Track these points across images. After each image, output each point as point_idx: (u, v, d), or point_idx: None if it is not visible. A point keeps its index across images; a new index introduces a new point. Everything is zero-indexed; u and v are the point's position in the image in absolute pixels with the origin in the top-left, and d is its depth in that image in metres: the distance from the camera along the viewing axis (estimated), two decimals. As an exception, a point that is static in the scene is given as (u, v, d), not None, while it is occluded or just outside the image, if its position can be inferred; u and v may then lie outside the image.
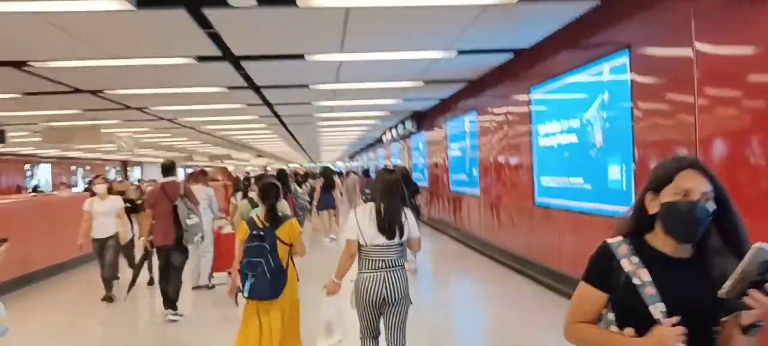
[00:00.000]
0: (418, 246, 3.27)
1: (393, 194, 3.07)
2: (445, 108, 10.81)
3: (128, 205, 7.13)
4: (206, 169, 13.93)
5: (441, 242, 10.70)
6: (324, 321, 3.30)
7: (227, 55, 6.12)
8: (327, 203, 10.80)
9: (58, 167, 26.64)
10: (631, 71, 4.46)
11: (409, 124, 13.75)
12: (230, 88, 8.35)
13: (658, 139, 4.17)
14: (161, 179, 5.84)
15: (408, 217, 3.11)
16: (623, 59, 4.57)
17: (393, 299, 3.02)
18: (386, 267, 3.03)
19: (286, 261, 3.44)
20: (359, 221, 3.06)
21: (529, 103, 6.73)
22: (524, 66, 6.69)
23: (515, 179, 7.39)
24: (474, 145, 9.10)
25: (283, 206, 4.20)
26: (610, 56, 4.77)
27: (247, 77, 7.57)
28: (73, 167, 28.64)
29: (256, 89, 8.69)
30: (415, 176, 13.05)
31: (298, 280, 3.72)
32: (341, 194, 12.20)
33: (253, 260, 3.30)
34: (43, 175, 25.93)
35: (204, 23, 4.86)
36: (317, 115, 13.13)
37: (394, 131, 16.07)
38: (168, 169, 5.93)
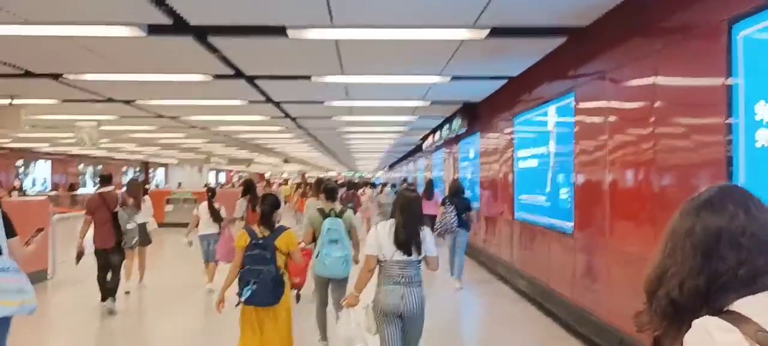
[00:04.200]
0: (435, 265, 3.31)
1: (412, 211, 3.20)
2: (513, 92, 7.22)
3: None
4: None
5: (493, 293, 7.33)
6: (344, 332, 3.36)
7: (239, 73, 6.73)
8: None
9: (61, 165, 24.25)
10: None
11: (456, 123, 10.09)
12: (251, 102, 8.99)
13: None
14: (101, 189, 6.43)
15: (426, 235, 3.23)
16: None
17: (410, 314, 3.13)
18: (405, 283, 3.13)
19: (284, 270, 3.57)
20: (379, 236, 3.18)
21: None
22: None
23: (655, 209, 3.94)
24: (564, 153, 5.42)
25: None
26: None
27: (263, 93, 8.18)
28: (82, 165, 26.61)
29: (276, 104, 9.31)
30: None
31: (292, 289, 4.07)
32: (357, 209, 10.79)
33: (255, 268, 3.43)
34: (40, 173, 23.65)
35: (212, 49, 5.50)
36: (340, 129, 13.56)
37: (437, 135, 12.82)
38: (106, 179, 6.59)
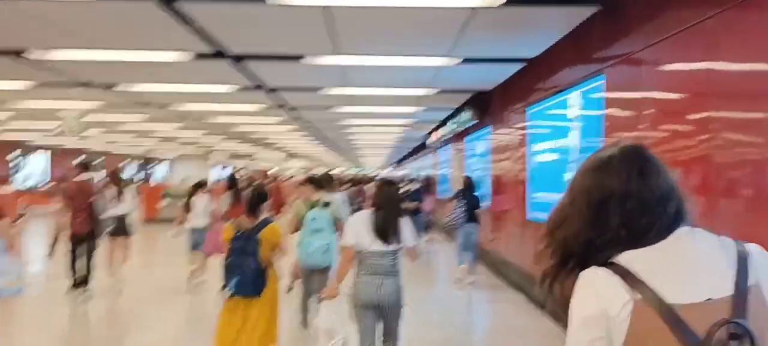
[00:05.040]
0: (415, 256, 3.34)
1: (391, 202, 3.23)
2: (529, 78, 6.31)
3: None
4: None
5: (505, 301, 6.71)
6: (325, 325, 3.51)
7: (222, 53, 5.99)
8: None
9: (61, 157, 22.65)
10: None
11: (464, 116, 9.23)
12: (242, 89, 8.24)
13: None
14: (78, 177, 6.54)
15: (404, 225, 3.24)
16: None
17: (387, 303, 3.15)
18: (382, 273, 3.14)
19: (267, 262, 3.58)
20: (357, 226, 3.19)
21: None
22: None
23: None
24: (590, 147, 4.50)
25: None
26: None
27: (253, 76, 7.45)
28: (83, 157, 26.34)
29: (269, 90, 8.56)
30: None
31: (278, 280, 3.83)
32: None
33: (237, 259, 3.48)
34: (37, 165, 22.68)
35: (183, 19, 4.75)
36: (342, 122, 12.70)
37: (443, 129, 11.90)
38: (83, 167, 6.72)
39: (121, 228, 6.88)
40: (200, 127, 14.87)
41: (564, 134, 5.19)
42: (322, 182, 5.14)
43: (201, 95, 9.02)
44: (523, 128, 6.59)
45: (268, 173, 32.12)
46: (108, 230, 6.52)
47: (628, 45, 3.97)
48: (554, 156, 5.53)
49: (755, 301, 0.91)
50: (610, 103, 4.26)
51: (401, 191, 8.21)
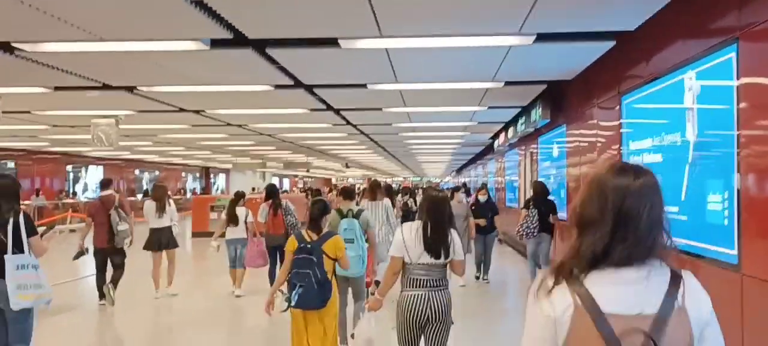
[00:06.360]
0: (461, 269, 3.20)
1: (441, 213, 3.07)
2: (622, 59, 5.13)
3: None
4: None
5: None
6: (364, 335, 3.41)
7: (298, 83, 6.47)
8: None
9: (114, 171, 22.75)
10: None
11: (536, 113, 8.15)
12: (312, 110, 8.70)
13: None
14: (101, 192, 6.77)
15: (454, 237, 3.10)
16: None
17: (436, 318, 3.04)
18: (431, 286, 3.04)
19: (331, 274, 3.61)
20: (406, 238, 3.06)
21: None
22: None
23: None
24: (717, 142, 3.52)
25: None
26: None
27: (323, 101, 7.87)
28: (138, 171, 25.61)
29: (336, 111, 8.96)
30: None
31: (339, 294, 3.94)
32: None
33: (302, 271, 3.49)
34: (92, 178, 22.44)
35: (271, 60, 5.30)
36: (399, 123, 11.29)
37: (511, 130, 10.71)
38: (105, 184, 6.91)
39: (165, 241, 6.95)
40: (265, 142, 15.07)
41: (675, 128, 4.03)
42: (350, 193, 5.19)
43: (276, 116, 9.55)
44: (612, 123, 5.46)
45: (332, 182, 32.42)
46: (127, 241, 6.58)
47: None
48: (658, 157, 4.40)
49: (676, 319, 1.14)
50: (746, 83, 3.17)
51: (468, 202, 7.86)
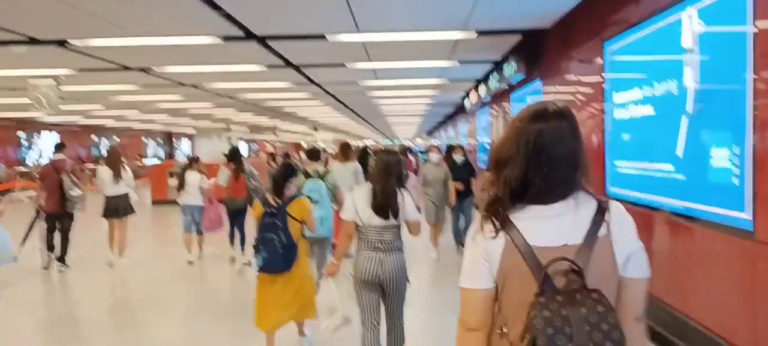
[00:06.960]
0: (417, 230, 3.16)
1: (389, 174, 3.03)
2: (608, 2, 4.57)
3: None
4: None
5: None
6: (325, 301, 3.36)
7: (250, 34, 5.77)
8: None
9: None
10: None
11: (509, 69, 7.56)
12: (269, 66, 7.98)
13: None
14: (53, 156, 6.77)
15: (404, 198, 3.04)
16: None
17: (389, 279, 3.02)
18: (383, 249, 3.01)
19: (297, 237, 3.53)
20: (356, 202, 3.04)
21: None
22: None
23: None
24: (722, 88, 3.03)
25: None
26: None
27: (280, 56, 7.18)
28: (94, 136, 24.82)
29: (296, 68, 8.28)
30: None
31: (308, 255, 3.86)
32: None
33: (267, 235, 3.43)
34: (46, 145, 21.12)
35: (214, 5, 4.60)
36: (365, 82, 10.62)
37: (483, 88, 10.04)
38: (59, 148, 6.86)
39: (121, 208, 6.69)
40: (206, 99, 13.54)
41: (670, 75, 3.54)
42: (315, 154, 5.17)
43: (231, 74, 8.75)
44: (595, 74, 4.91)
45: (302, 146, 31.66)
46: (77, 207, 6.54)
47: None
48: (650, 108, 3.87)
49: (601, 248, 1.18)
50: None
51: (437, 163, 7.02)
